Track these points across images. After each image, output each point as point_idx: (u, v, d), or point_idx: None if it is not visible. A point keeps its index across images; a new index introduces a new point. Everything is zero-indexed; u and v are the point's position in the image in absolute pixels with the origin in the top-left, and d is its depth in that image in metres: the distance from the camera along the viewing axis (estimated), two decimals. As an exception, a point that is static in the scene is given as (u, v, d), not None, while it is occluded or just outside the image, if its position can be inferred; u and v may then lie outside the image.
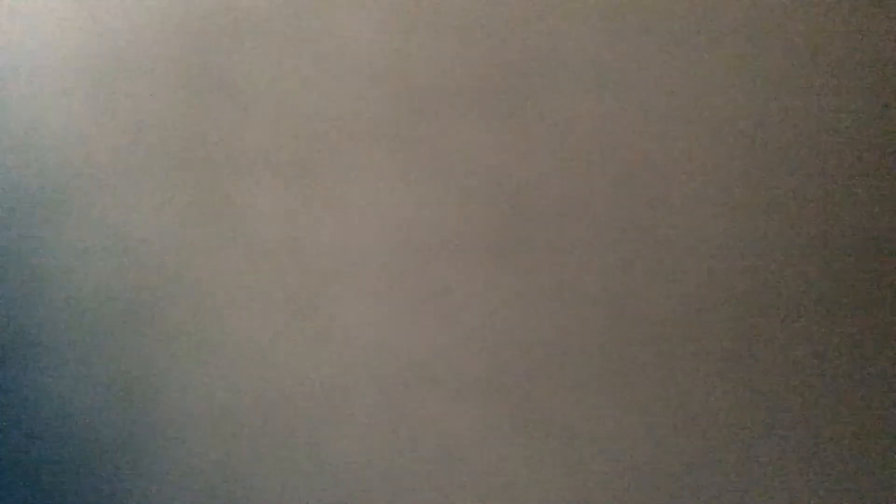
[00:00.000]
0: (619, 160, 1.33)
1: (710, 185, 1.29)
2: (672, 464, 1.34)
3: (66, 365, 1.67)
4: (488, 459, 1.43)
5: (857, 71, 1.22)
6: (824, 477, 1.28)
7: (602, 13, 1.31)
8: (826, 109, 1.24)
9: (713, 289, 1.31)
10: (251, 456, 1.57)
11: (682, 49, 1.29)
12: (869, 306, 1.24)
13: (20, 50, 1.65)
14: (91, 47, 1.60)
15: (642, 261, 1.33)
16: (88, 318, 1.65)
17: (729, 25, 1.26)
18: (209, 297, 1.57)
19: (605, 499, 1.39)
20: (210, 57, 1.53)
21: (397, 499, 1.50)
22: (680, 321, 1.32)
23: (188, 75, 1.54)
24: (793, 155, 1.26)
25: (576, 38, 1.33)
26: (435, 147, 1.42)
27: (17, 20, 1.64)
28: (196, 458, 1.60)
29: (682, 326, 1.32)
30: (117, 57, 1.58)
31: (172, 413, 1.61)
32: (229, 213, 1.55)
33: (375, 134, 1.45)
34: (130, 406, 1.64)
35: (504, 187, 1.39)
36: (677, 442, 1.34)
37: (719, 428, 1.33)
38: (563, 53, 1.34)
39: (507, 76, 1.37)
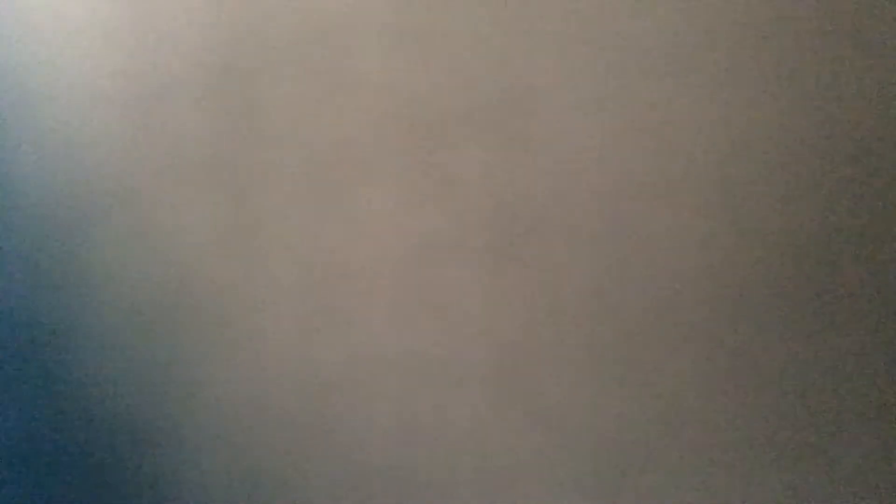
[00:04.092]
0: (606, 176, 1.35)
1: (691, 191, 1.30)
2: (657, 445, 1.34)
3: (107, 358, 1.67)
4: (488, 442, 1.44)
5: (849, 75, 1.24)
6: (807, 461, 1.28)
7: (595, 49, 1.33)
8: (810, 118, 1.26)
9: (694, 285, 1.31)
10: (274, 442, 1.57)
11: (667, 73, 1.30)
12: (857, 300, 1.25)
13: (70, 69, 1.65)
14: (132, 70, 1.60)
15: (626, 263, 1.35)
16: (128, 316, 1.65)
17: (714, 46, 1.29)
18: (236, 297, 1.57)
19: (598, 476, 1.39)
20: (239, 82, 1.55)
21: (406, 479, 1.50)
22: (663, 315, 1.33)
23: (220, 98, 1.56)
24: (773, 161, 1.27)
25: (568, 70, 1.35)
26: (440, 165, 1.43)
27: (67, 42, 1.65)
28: (223, 443, 1.60)
29: (665, 320, 1.33)
30: (156, 80, 1.59)
31: (201, 403, 1.61)
32: (255, 223, 1.55)
33: (387, 153, 1.46)
34: (163, 396, 1.64)
35: (502, 200, 1.40)
36: (663, 425, 1.34)
37: (703, 411, 1.32)
38: (556, 84, 1.36)
39: (506, 103, 1.39)
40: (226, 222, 1.58)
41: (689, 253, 1.32)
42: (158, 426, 1.67)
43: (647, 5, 1.32)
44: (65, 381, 1.73)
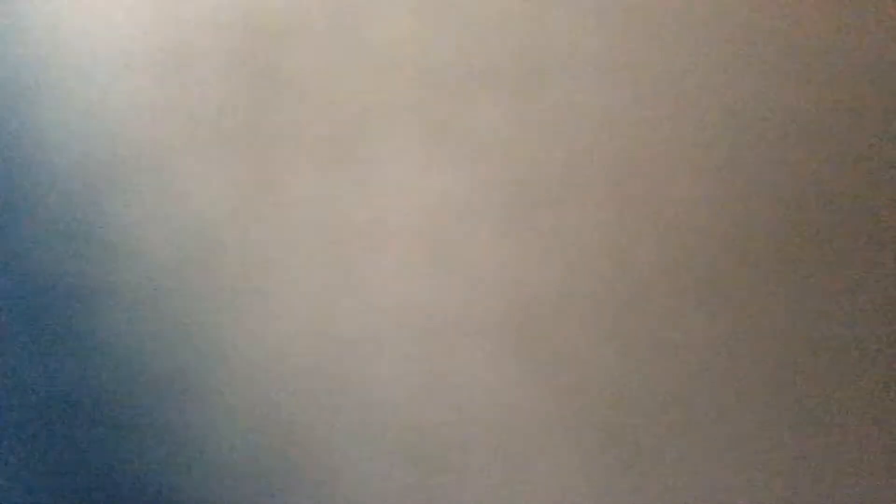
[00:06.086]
0: (625, 137, 1.38)
1: (710, 154, 1.33)
2: (678, 407, 1.38)
3: (132, 318, 1.73)
4: (504, 403, 1.48)
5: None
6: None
7: (614, 10, 1.37)
8: (835, 84, 1.27)
9: (713, 247, 1.35)
10: (295, 397, 1.62)
11: (686, 36, 1.33)
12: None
13: (95, 34, 1.71)
14: (157, 35, 1.66)
15: (645, 223, 1.38)
16: (154, 273, 1.70)
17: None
18: (258, 257, 1.63)
19: (615, 437, 1.43)
20: (259, 47, 1.60)
21: (422, 434, 1.55)
22: (683, 277, 1.37)
23: (240, 62, 1.61)
24: (798, 125, 1.28)
25: (587, 34, 1.38)
26: (459, 126, 1.48)
27: (93, 7, 1.71)
28: (247, 398, 1.65)
29: (686, 282, 1.36)
30: (180, 45, 1.65)
31: (223, 360, 1.67)
32: (276, 184, 1.61)
33: (406, 115, 1.51)
34: (187, 354, 1.71)
35: (520, 160, 1.44)
36: (684, 386, 1.38)
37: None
38: (575, 45, 1.39)
39: (525, 63, 1.43)
40: (247, 185, 1.63)
41: (708, 214, 1.35)
42: (182, 383, 1.72)
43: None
44: (91, 341, 1.78)
